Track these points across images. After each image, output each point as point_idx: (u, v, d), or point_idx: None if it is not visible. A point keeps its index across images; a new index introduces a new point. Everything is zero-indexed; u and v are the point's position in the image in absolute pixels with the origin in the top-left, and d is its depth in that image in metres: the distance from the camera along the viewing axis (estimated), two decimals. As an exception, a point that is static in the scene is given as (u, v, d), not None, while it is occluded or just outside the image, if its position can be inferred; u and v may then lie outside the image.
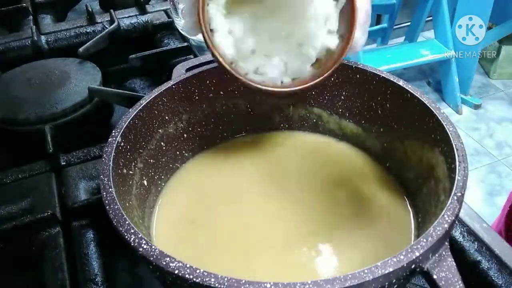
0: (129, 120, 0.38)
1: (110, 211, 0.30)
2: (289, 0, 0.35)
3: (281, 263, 0.36)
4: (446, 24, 1.76)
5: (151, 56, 0.65)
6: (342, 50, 0.36)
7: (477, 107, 1.93)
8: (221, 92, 0.46)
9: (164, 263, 0.26)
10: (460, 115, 1.91)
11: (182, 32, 0.72)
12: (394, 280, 0.26)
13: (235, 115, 0.47)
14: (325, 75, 0.36)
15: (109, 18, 0.74)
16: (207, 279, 0.25)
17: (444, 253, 0.28)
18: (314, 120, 0.48)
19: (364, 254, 0.36)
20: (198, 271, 0.26)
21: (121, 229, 0.29)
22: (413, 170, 0.40)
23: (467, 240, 0.40)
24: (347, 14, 0.36)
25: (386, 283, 0.26)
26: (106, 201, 0.31)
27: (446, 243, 0.29)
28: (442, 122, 0.36)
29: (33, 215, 0.42)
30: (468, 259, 0.39)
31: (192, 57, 0.65)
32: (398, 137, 0.42)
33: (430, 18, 1.91)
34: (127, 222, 0.29)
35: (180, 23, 0.71)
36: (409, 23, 2.09)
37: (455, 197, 0.30)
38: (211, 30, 0.35)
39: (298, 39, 0.36)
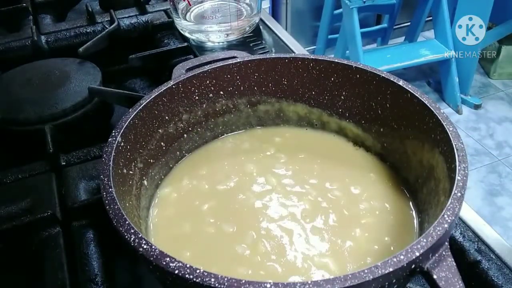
0: (129, 120, 0.38)
1: (110, 211, 0.30)
2: None
3: (281, 260, 0.36)
4: (446, 24, 1.75)
5: (151, 56, 0.65)
6: None
7: (477, 107, 1.93)
8: (221, 92, 0.46)
9: (164, 263, 0.26)
10: (460, 115, 1.90)
11: (182, 32, 0.72)
12: (394, 280, 0.26)
13: (235, 115, 0.47)
14: None
15: (109, 18, 0.74)
16: (207, 279, 0.25)
17: (444, 253, 0.28)
18: (314, 120, 0.48)
19: (365, 253, 0.36)
20: (198, 271, 0.26)
21: (121, 229, 0.29)
22: (413, 171, 0.40)
23: (467, 240, 0.40)
24: None
25: (386, 283, 0.26)
26: (106, 201, 0.31)
27: (446, 243, 0.29)
28: (442, 122, 0.36)
29: (33, 215, 0.42)
30: (468, 259, 0.39)
31: (192, 57, 0.64)
32: (398, 137, 0.42)
33: (430, 18, 1.90)
34: (127, 222, 0.29)
35: (180, 23, 0.71)
36: (409, 23, 2.09)
37: (455, 197, 0.30)
38: None
39: None
